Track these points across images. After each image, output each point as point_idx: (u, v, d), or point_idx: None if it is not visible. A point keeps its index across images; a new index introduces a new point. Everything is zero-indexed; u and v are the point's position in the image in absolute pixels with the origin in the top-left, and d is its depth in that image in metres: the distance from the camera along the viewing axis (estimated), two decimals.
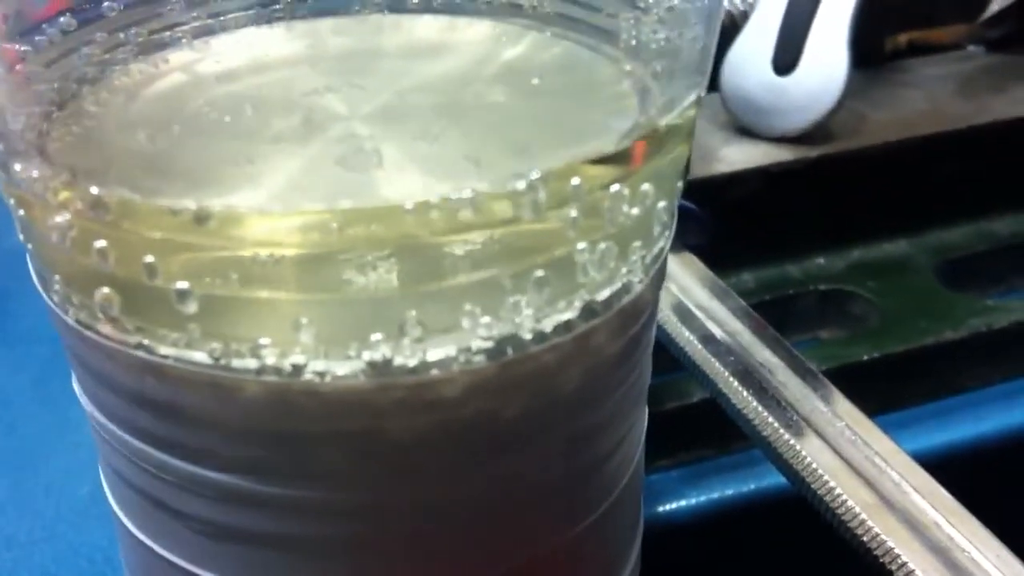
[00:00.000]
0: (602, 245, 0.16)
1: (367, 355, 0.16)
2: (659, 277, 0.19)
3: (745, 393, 0.27)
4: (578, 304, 0.16)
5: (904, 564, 0.23)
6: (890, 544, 0.23)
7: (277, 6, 0.21)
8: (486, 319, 0.16)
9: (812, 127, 0.39)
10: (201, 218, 0.15)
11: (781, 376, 0.28)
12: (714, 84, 0.40)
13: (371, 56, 0.20)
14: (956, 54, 0.48)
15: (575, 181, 0.15)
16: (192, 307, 0.15)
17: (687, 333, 0.30)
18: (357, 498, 0.17)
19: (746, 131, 0.40)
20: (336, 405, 0.16)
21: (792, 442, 0.26)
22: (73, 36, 0.19)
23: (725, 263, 0.35)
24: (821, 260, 0.40)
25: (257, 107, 0.18)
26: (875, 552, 0.23)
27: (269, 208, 0.15)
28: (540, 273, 0.16)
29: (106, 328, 0.16)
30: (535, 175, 0.15)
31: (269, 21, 0.21)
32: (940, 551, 0.23)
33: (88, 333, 0.17)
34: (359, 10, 0.21)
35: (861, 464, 0.25)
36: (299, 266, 0.15)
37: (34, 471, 0.34)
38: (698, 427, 0.33)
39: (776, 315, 0.33)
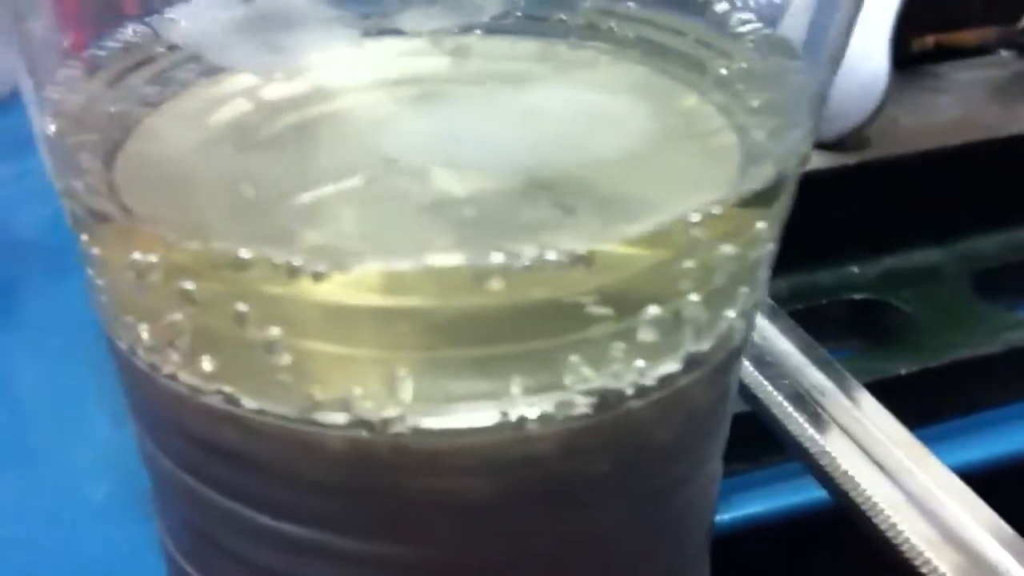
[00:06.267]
0: (712, 294, 0.15)
1: (462, 411, 0.15)
2: (753, 317, 0.18)
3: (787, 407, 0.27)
4: (682, 355, 0.16)
5: None
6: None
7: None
8: (588, 373, 0.15)
9: (851, 133, 0.38)
10: (288, 272, 0.14)
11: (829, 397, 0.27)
12: None
13: (446, 82, 0.19)
14: (987, 59, 0.47)
15: (691, 235, 0.15)
16: (279, 358, 0.15)
17: None
18: (438, 554, 0.16)
19: None
20: (426, 462, 0.15)
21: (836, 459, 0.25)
22: (132, 52, 0.18)
23: None
24: (855, 269, 0.40)
25: (329, 140, 0.17)
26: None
27: (359, 266, 0.14)
28: (647, 326, 0.15)
29: (182, 373, 0.15)
30: (647, 228, 0.14)
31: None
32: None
33: (158, 377, 0.16)
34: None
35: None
36: (393, 321, 0.14)
37: (47, 471, 0.33)
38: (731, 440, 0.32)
39: (808, 324, 0.32)
